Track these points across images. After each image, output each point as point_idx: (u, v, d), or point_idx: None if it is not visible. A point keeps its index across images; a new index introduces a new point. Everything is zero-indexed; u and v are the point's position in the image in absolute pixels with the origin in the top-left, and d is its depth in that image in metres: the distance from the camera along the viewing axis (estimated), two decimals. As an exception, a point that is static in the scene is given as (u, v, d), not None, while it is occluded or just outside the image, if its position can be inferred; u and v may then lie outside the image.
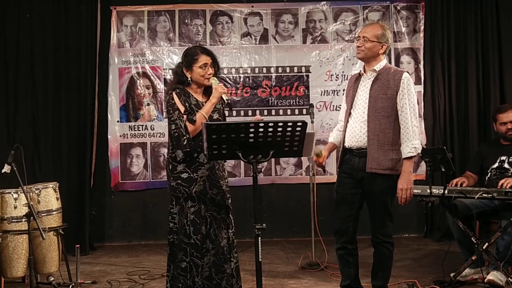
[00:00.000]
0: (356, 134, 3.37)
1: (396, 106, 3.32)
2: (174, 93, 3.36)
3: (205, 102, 3.43)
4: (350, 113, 3.45)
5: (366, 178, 3.35)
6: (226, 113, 3.67)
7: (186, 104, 3.35)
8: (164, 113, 5.69)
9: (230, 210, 3.49)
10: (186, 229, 3.32)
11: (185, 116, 3.32)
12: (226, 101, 3.39)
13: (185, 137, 3.28)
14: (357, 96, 3.44)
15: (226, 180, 3.49)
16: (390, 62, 6.17)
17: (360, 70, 3.50)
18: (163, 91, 5.99)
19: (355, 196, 3.42)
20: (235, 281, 3.43)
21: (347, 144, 3.43)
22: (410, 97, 3.33)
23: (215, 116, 3.44)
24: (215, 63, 3.46)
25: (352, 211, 3.43)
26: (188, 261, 3.31)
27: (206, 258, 3.33)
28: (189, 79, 3.42)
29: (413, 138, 3.30)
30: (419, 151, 3.32)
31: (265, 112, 6.15)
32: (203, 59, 3.40)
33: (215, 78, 3.44)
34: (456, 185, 4.32)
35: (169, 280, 3.38)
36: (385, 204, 3.36)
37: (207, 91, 3.49)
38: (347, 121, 3.45)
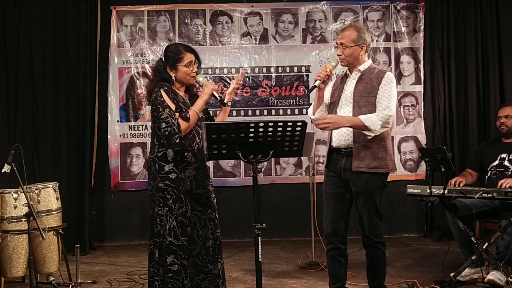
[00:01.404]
0: (343, 133, 3.37)
1: None
2: (162, 91, 3.25)
3: (188, 100, 3.38)
4: (336, 113, 3.45)
5: (353, 177, 3.35)
6: (210, 113, 3.61)
7: (175, 101, 3.28)
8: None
9: (217, 210, 3.43)
10: (176, 231, 3.24)
11: (177, 114, 3.24)
12: (219, 98, 3.34)
13: (177, 135, 3.19)
14: (342, 96, 3.45)
15: (210, 180, 3.45)
16: (390, 62, 6.18)
17: (346, 71, 3.53)
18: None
19: (345, 195, 3.42)
20: (221, 282, 3.37)
21: (334, 144, 3.43)
22: (392, 91, 3.32)
23: (200, 114, 3.37)
24: (197, 60, 3.39)
25: (343, 210, 3.44)
26: (179, 263, 3.24)
27: (190, 260, 3.29)
28: (173, 78, 3.33)
29: (378, 115, 3.24)
30: (372, 127, 3.21)
31: (265, 112, 6.15)
32: (188, 57, 3.32)
33: (201, 75, 3.39)
34: (454, 184, 4.32)
35: (159, 284, 3.27)
36: (374, 203, 3.35)
37: (188, 89, 3.45)
38: None
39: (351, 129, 3.33)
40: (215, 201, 3.44)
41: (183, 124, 3.23)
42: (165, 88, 3.28)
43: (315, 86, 3.40)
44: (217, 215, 3.43)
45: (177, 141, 3.19)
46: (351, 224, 3.54)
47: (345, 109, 3.39)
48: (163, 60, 3.36)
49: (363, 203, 3.35)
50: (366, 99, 3.33)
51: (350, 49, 3.38)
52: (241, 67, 6.16)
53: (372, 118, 3.24)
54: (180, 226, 3.25)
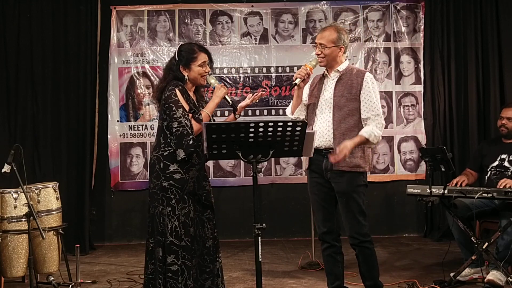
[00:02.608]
0: (324, 134, 3.39)
1: (360, 105, 3.36)
2: (177, 90, 3.23)
3: (196, 101, 3.36)
4: (316, 114, 3.46)
5: (334, 177, 3.37)
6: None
7: (188, 102, 3.27)
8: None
9: (214, 210, 3.44)
10: (178, 231, 3.23)
11: (190, 115, 3.23)
12: (230, 102, 3.34)
13: (190, 137, 3.18)
14: (321, 96, 3.46)
15: (209, 181, 3.46)
16: (390, 62, 6.18)
17: (324, 71, 3.53)
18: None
19: (331, 194, 3.44)
20: (220, 281, 3.39)
21: (315, 144, 3.39)
22: (376, 93, 3.39)
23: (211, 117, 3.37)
24: (210, 61, 3.38)
25: (332, 209, 3.47)
26: (179, 264, 3.22)
27: (194, 260, 3.28)
28: (186, 77, 3.32)
29: (376, 126, 3.32)
30: (374, 141, 3.31)
31: (265, 112, 6.15)
32: (202, 57, 3.31)
33: (213, 77, 3.38)
34: (456, 184, 4.32)
35: (163, 282, 3.25)
36: (357, 202, 3.37)
37: (197, 90, 3.43)
38: (313, 121, 3.46)
39: (331, 130, 3.36)
40: (213, 201, 3.44)
41: (195, 126, 3.22)
42: (180, 87, 3.26)
43: (295, 84, 3.42)
44: (214, 215, 3.44)
45: (190, 142, 3.17)
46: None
47: (325, 111, 3.42)
48: (177, 59, 3.33)
49: (346, 203, 3.37)
50: (346, 99, 3.36)
51: (329, 49, 3.41)
52: (241, 67, 6.16)
53: (373, 132, 3.30)
54: (183, 227, 3.24)
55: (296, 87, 3.47)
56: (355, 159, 3.34)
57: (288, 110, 3.64)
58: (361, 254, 3.42)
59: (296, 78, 3.42)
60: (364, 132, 3.30)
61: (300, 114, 3.58)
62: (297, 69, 6.07)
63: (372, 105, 3.36)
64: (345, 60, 3.51)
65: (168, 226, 3.23)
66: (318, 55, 3.45)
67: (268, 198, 6.13)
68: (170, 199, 3.24)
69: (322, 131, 3.40)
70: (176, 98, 3.21)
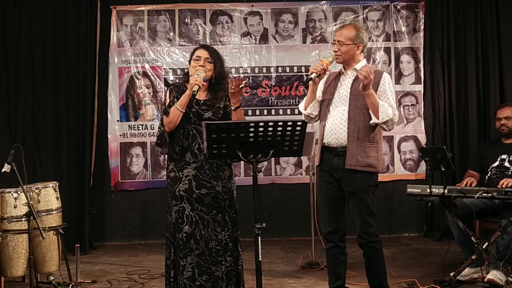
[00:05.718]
0: (337, 131, 3.37)
1: None
2: (168, 89, 3.44)
3: (206, 99, 3.37)
4: (329, 111, 3.43)
5: (345, 177, 3.35)
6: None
7: (175, 100, 3.31)
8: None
9: (228, 212, 3.41)
10: (170, 228, 3.34)
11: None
12: (192, 92, 3.18)
13: (160, 130, 3.32)
14: (337, 93, 3.44)
15: (224, 181, 3.36)
16: (390, 62, 6.18)
17: (341, 69, 3.51)
18: (163, 90, 6.03)
19: (339, 194, 3.43)
20: (224, 285, 3.32)
21: (326, 141, 3.41)
22: (392, 93, 3.42)
23: (207, 115, 3.33)
24: (213, 59, 3.34)
25: (340, 208, 3.45)
26: (172, 259, 3.32)
27: (189, 258, 3.27)
28: (190, 73, 3.37)
29: (392, 114, 3.33)
30: (380, 118, 3.28)
31: (265, 112, 6.15)
32: (198, 52, 3.35)
33: (202, 70, 3.28)
34: (466, 185, 4.31)
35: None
36: (367, 202, 3.35)
37: (213, 88, 3.39)
38: (327, 117, 3.44)
39: (344, 128, 3.35)
40: (227, 202, 3.39)
41: (164, 119, 3.30)
42: (171, 87, 3.43)
43: (311, 79, 3.35)
44: (227, 217, 3.40)
45: (158, 134, 3.34)
46: (350, 223, 3.54)
47: (339, 108, 3.39)
48: None
49: (356, 203, 3.36)
50: (363, 97, 3.32)
51: (347, 46, 3.39)
52: (241, 67, 6.16)
53: (388, 109, 3.30)
54: (176, 224, 3.30)
55: (311, 82, 3.40)
56: (368, 159, 3.32)
57: (301, 106, 3.58)
58: (368, 254, 3.41)
59: (311, 73, 3.36)
60: (381, 102, 3.28)
61: (313, 110, 3.53)
62: (297, 69, 6.15)
63: (388, 101, 3.36)
64: (363, 59, 3.48)
65: (167, 222, 3.38)
66: (335, 52, 3.42)
67: (268, 198, 6.13)
68: (168, 196, 3.38)
69: (335, 128, 3.38)
70: (164, 96, 3.46)
